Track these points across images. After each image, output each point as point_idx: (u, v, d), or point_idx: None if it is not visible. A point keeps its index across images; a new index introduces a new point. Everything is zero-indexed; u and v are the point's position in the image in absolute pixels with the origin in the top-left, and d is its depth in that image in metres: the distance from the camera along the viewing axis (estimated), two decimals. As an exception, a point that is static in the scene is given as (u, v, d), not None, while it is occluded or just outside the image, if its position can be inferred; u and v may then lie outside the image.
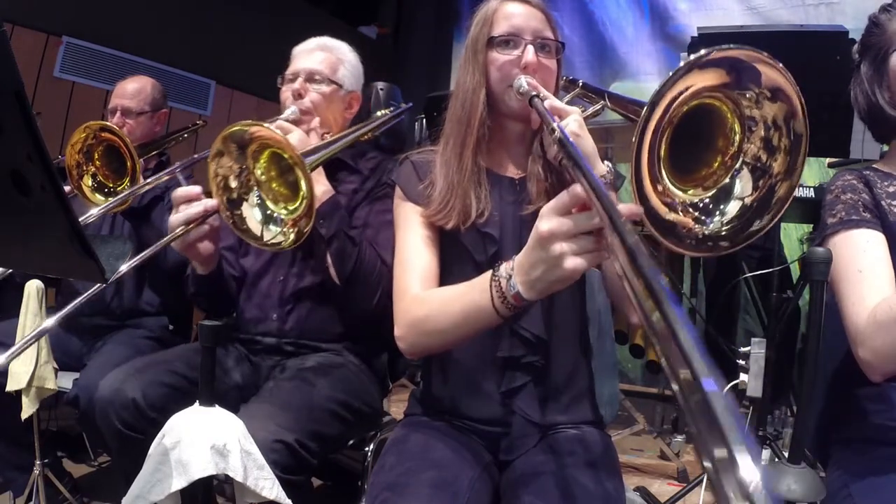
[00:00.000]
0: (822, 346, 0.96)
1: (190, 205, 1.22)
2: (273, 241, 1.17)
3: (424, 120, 2.58)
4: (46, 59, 2.92)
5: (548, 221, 0.74)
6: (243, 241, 1.30)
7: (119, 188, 1.68)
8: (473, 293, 0.90)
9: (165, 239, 1.24)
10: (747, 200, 0.83)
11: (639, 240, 0.55)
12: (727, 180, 0.84)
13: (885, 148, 1.24)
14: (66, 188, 1.52)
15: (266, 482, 1.00)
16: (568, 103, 1.06)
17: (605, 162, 0.94)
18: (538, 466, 0.97)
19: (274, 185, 1.20)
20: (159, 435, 1.00)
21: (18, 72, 0.59)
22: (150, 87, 2.05)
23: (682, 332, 0.41)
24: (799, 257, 2.16)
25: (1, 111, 0.59)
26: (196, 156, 1.58)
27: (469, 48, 1.11)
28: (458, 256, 1.08)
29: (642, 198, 0.78)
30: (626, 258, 0.52)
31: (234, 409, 1.05)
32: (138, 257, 1.26)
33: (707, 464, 0.33)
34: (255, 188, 1.19)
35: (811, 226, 2.39)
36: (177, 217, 1.22)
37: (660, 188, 0.81)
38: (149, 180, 1.53)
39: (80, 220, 1.30)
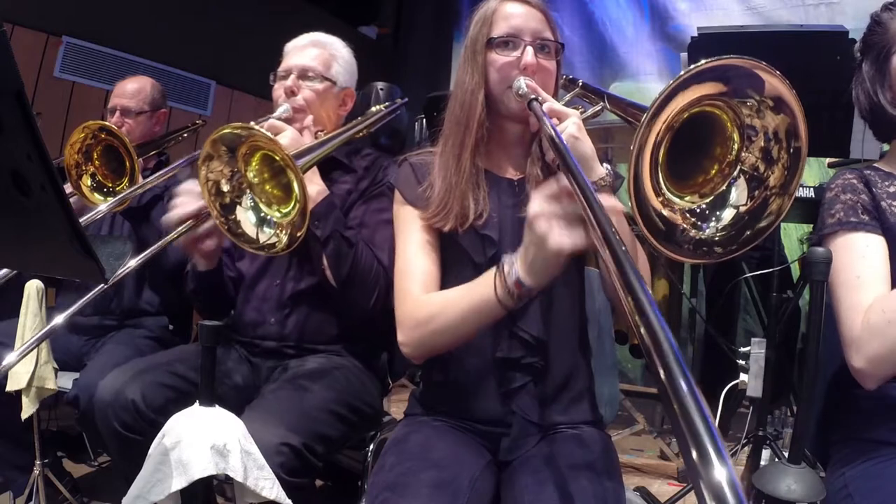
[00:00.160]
0: (823, 346, 0.95)
1: (185, 202, 1.21)
2: (268, 242, 1.16)
3: (424, 120, 2.58)
4: (46, 59, 2.92)
5: (536, 204, 0.81)
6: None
7: (118, 188, 1.68)
8: (478, 287, 0.93)
9: (170, 236, 1.24)
10: (742, 209, 0.83)
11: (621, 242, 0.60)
12: (723, 188, 0.84)
13: (886, 147, 1.24)
14: (66, 188, 1.52)
15: (266, 482, 1.00)
16: (567, 103, 1.06)
17: (605, 164, 0.94)
18: (538, 466, 0.97)
19: (267, 187, 1.18)
20: (159, 435, 1.00)
21: (18, 72, 0.59)
22: (149, 87, 2.05)
23: (664, 342, 0.45)
24: (799, 257, 2.16)
25: (1, 111, 0.59)
26: (196, 153, 1.58)
27: (468, 49, 1.10)
28: (456, 258, 1.08)
29: (641, 205, 0.79)
30: (610, 257, 0.58)
31: (234, 409, 1.05)
32: (145, 253, 1.25)
33: (685, 464, 0.36)
34: (248, 191, 1.17)
35: (811, 226, 2.38)
36: (171, 216, 1.21)
37: (660, 199, 0.81)
38: (153, 177, 1.53)
39: (81, 220, 1.31)
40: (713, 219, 0.84)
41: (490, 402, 1.06)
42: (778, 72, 0.75)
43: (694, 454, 0.35)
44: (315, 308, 1.44)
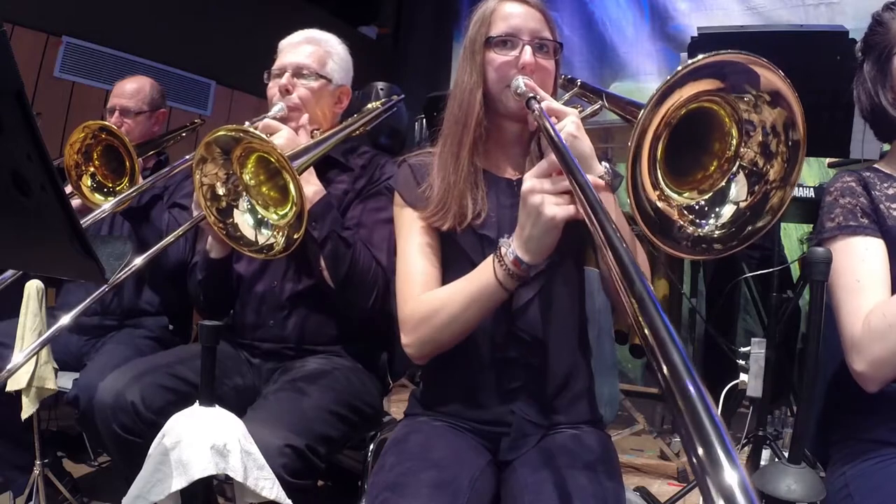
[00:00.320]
0: (823, 346, 0.95)
1: None
2: (266, 244, 1.15)
3: (424, 120, 2.58)
4: (46, 59, 2.91)
5: (528, 181, 0.87)
6: None
7: (118, 188, 1.68)
8: (478, 275, 0.96)
9: (175, 233, 1.23)
10: (742, 205, 0.83)
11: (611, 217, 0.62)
12: (723, 184, 0.84)
13: (886, 147, 1.24)
14: (66, 188, 1.52)
15: (266, 482, 1.00)
16: (566, 103, 1.06)
17: (603, 163, 0.95)
18: (538, 466, 0.97)
19: (263, 189, 1.17)
20: (159, 435, 1.00)
21: (18, 72, 0.59)
22: (148, 87, 2.05)
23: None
24: (799, 257, 2.16)
25: (1, 111, 0.59)
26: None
27: (467, 48, 1.10)
28: (455, 258, 1.08)
29: (639, 200, 0.79)
30: (612, 256, 0.58)
31: (235, 410, 1.05)
32: (151, 251, 1.25)
33: (691, 464, 0.35)
34: (245, 194, 1.16)
35: (811, 226, 2.39)
36: None
37: (657, 192, 0.81)
38: (153, 177, 1.53)
39: (85, 220, 1.32)
40: (712, 216, 0.84)
41: (490, 401, 1.06)
42: (773, 65, 0.75)
43: (703, 457, 0.34)
44: (314, 309, 1.43)
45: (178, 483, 0.96)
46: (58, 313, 1.35)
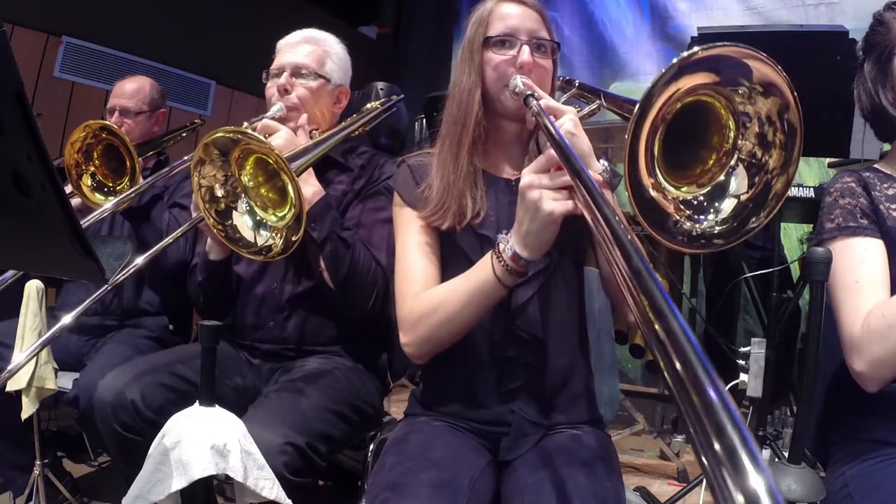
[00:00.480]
0: (823, 346, 0.96)
1: None
2: (265, 245, 1.15)
3: (424, 120, 2.58)
4: (46, 59, 2.91)
5: (527, 177, 0.87)
6: None
7: (119, 188, 1.68)
8: (476, 272, 0.96)
9: (176, 232, 1.23)
10: (743, 198, 0.82)
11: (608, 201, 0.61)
12: (722, 177, 0.84)
13: (886, 147, 1.24)
14: (66, 188, 1.52)
15: (266, 482, 1.00)
16: (564, 104, 1.06)
17: (602, 160, 0.95)
18: (538, 466, 0.97)
19: (262, 190, 1.16)
20: (159, 435, 1.00)
21: (18, 72, 0.59)
22: (148, 87, 2.05)
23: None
24: (799, 257, 2.16)
25: (1, 111, 0.59)
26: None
27: (465, 49, 1.11)
28: (454, 257, 1.08)
29: (635, 184, 0.78)
30: (592, 212, 0.59)
31: (235, 410, 1.05)
32: (152, 251, 1.25)
33: (707, 466, 0.32)
34: (243, 195, 1.15)
35: (811, 226, 2.39)
36: None
37: (653, 181, 0.81)
38: (153, 177, 1.53)
39: (86, 220, 1.32)
40: (711, 211, 0.84)
41: (490, 401, 1.06)
42: (762, 54, 0.75)
43: (724, 461, 0.31)
44: (314, 310, 1.43)
45: (178, 483, 0.96)
46: (58, 313, 1.35)
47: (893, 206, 1.05)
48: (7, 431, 1.65)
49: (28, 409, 1.44)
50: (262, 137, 1.10)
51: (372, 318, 1.37)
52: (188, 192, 1.72)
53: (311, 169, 1.28)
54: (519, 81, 1.02)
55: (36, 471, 1.63)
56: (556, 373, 1.07)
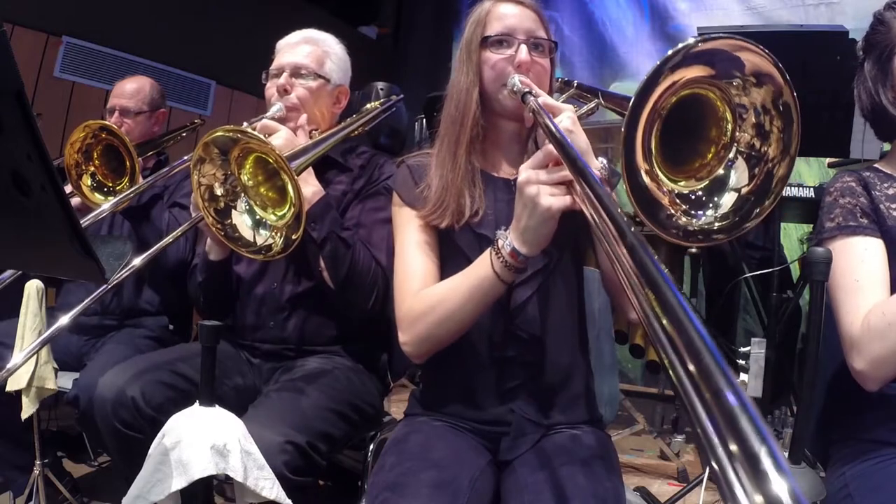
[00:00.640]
0: (823, 346, 0.96)
1: None
2: (265, 244, 1.15)
3: (424, 120, 2.58)
4: (46, 59, 2.91)
5: (524, 172, 0.87)
6: None
7: (118, 188, 1.68)
8: (475, 269, 0.96)
9: (175, 233, 1.23)
10: (744, 191, 0.82)
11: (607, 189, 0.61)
12: (721, 171, 0.83)
13: (886, 147, 1.24)
14: (66, 188, 1.52)
15: (266, 482, 1.00)
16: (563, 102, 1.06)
17: (600, 158, 0.95)
18: (538, 466, 0.97)
19: (262, 189, 1.17)
20: (159, 435, 1.00)
21: (18, 72, 0.59)
22: (148, 87, 2.05)
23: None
24: (799, 257, 2.16)
25: (1, 111, 0.59)
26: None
27: (463, 49, 1.11)
28: (452, 257, 1.08)
29: (632, 173, 0.78)
30: (594, 206, 0.58)
31: (235, 410, 1.05)
32: (150, 251, 1.25)
33: (720, 467, 0.29)
34: (243, 195, 1.15)
35: (811, 226, 2.39)
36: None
37: (647, 166, 0.81)
38: (152, 176, 1.53)
39: (85, 220, 1.32)
40: (710, 206, 0.83)
41: (489, 401, 1.06)
42: (752, 43, 0.75)
43: (743, 464, 0.28)
44: (314, 310, 1.43)
45: (178, 483, 0.96)
46: (58, 313, 1.35)
47: (893, 206, 1.05)
48: (7, 431, 1.65)
49: (28, 409, 1.44)
50: (262, 136, 1.10)
51: (372, 318, 1.37)
52: (188, 191, 1.72)
53: (310, 169, 1.28)
54: (517, 80, 1.02)
55: (36, 471, 1.63)
56: (556, 372, 1.07)
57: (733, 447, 0.29)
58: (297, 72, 1.45)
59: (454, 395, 1.09)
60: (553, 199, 0.84)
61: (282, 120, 1.36)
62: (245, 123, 1.24)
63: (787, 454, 0.99)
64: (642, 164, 0.80)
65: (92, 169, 1.68)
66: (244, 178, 1.15)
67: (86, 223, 1.33)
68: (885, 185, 1.08)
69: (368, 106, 1.64)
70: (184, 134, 2.22)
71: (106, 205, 1.42)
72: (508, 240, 0.90)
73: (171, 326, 1.96)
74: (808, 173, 3.07)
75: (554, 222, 0.86)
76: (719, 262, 2.49)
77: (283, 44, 1.52)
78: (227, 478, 0.98)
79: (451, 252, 1.08)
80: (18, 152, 0.61)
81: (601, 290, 1.29)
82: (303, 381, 1.30)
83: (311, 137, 1.36)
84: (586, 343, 1.16)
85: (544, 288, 1.07)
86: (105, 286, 1.24)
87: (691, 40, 0.74)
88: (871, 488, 0.97)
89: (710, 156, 0.84)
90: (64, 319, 1.18)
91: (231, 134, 1.09)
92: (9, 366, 1.18)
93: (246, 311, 1.47)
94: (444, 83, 1.17)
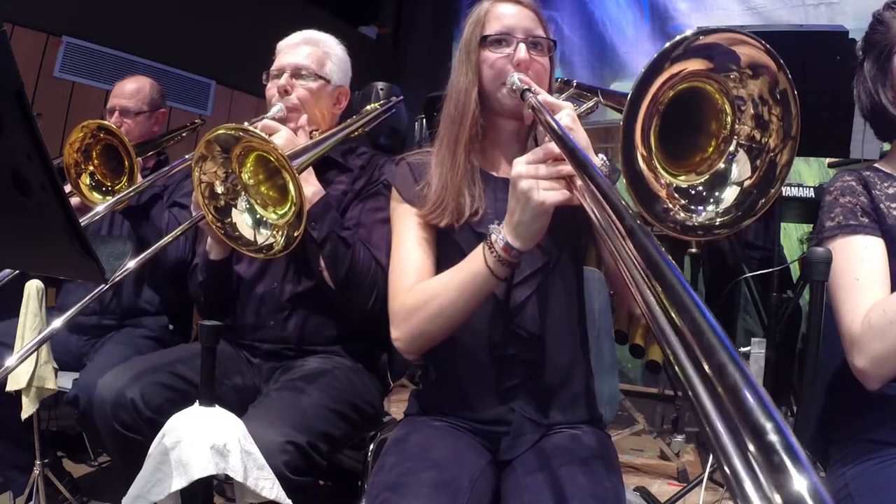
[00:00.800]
0: (823, 346, 0.96)
1: None
2: (265, 244, 1.15)
3: (424, 120, 2.58)
4: (46, 59, 2.91)
5: (518, 166, 0.86)
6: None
7: (117, 187, 1.68)
8: (468, 264, 0.95)
9: (172, 234, 1.23)
10: (747, 184, 0.81)
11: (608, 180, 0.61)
12: (722, 165, 0.83)
13: (886, 147, 1.24)
14: (66, 188, 1.52)
15: (266, 482, 1.00)
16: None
17: (600, 155, 0.95)
18: (538, 466, 0.97)
19: (262, 188, 1.17)
20: (159, 435, 1.00)
21: (18, 72, 0.59)
22: (148, 87, 2.05)
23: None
24: (799, 257, 2.16)
25: (1, 111, 0.59)
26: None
27: (462, 49, 1.11)
28: (451, 255, 1.08)
29: (629, 161, 0.78)
30: (595, 198, 0.57)
31: (235, 410, 1.05)
32: (145, 254, 1.25)
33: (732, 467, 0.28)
34: (243, 193, 1.16)
35: (811, 226, 2.39)
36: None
37: (644, 154, 0.81)
38: (152, 176, 1.53)
39: (82, 220, 1.32)
40: (711, 201, 0.83)
41: (489, 400, 1.06)
42: (747, 34, 0.75)
43: (762, 465, 0.26)
44: (314, 310, 1.43)
45: (178, 483, 0.96)
46: (58, 313, 1.35)
47: (894, 205, 1.05)
48: (7, 431, 1.65)
49: (28, 409, 1.44)
50: (264, 135, 1.10)
51: (372, 318, 1.37)
52: (188, 191, 1.73)
53: (311, 169, 1.28)
54: (516, 78, 1.02)
55: (36, 471, 1.63)
56: (556, 372, 1.07)
57: (750, 446, 0.28)
58: (297, 73, 1.45)
59: (454, 394, 1.09)
60: (546, 194, 0.83)
61: (282, 120, 1.36)
62: (246, 124, 1.25)
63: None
64: (640, 150, 0.80)
65: (91, 168, 1.68)
66: (245, 176, 1.15)
67: (82, 224, 1.32)
68: (886, 184, 1.08)
69: (369, 107, 1.65)
70: (184, 134, 2.22)
71: (101, 206, 1.42)
72: (502, 234, 0.90)
73: (170, 326, 1.96)
74: (808, 173, 3.07)
75: (547, 217, 0.86)
76: (719, 261, 2.49)
77: (283, 45, 1.52)
78: (227, 478, 0.98)
79: (451, 251, 1.08)
80: (18, 152, 0.61)
81: (601, 289, 1.29)
82: (303, 380, 1.30)
83: (311, 138, 1.37)
84: (586, 342, 1.16)
85: (544, 287, 1.07)
86: (102, 286, 1.24)
87: (689, 33, 0.74)
88: (872, 488, 0.97)
89: (710, 150, 0.84)
90: (56, 322, 1.18)
91: (233, 132, 1.09)
92: (6, 363, 1.18)
93: (246, 311, 1.47)
94: (444, 83, 1.17)
